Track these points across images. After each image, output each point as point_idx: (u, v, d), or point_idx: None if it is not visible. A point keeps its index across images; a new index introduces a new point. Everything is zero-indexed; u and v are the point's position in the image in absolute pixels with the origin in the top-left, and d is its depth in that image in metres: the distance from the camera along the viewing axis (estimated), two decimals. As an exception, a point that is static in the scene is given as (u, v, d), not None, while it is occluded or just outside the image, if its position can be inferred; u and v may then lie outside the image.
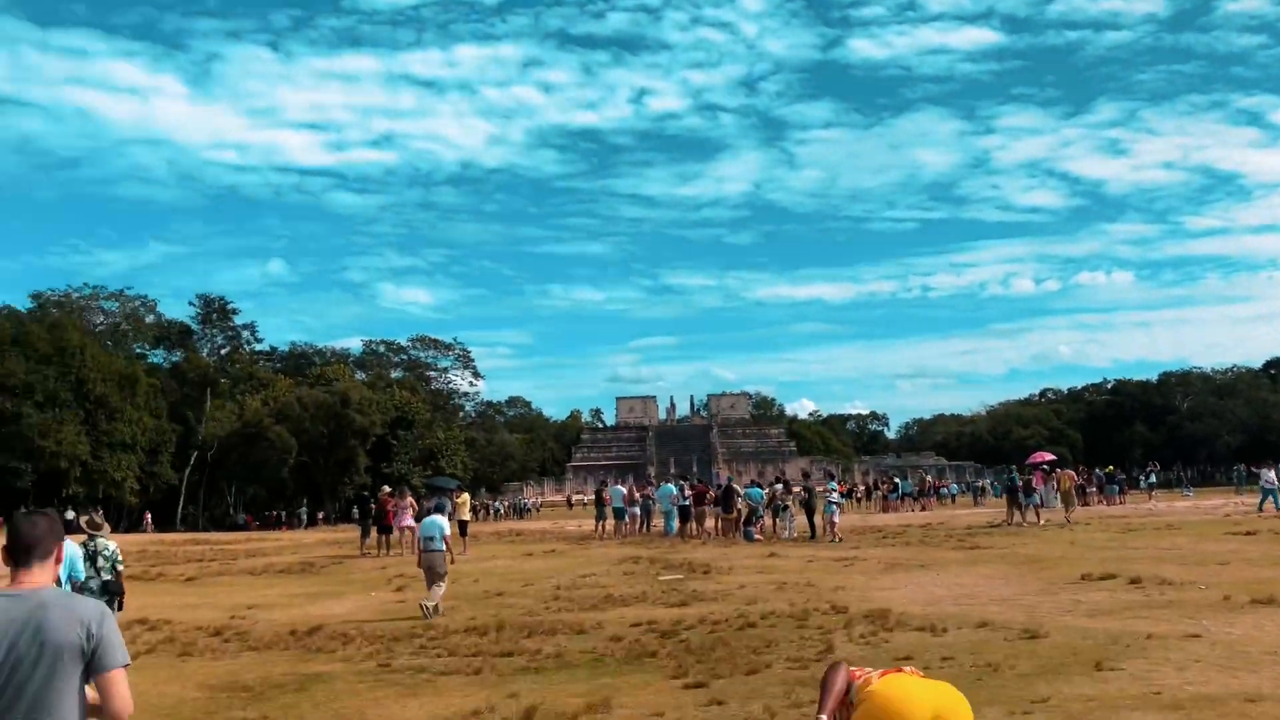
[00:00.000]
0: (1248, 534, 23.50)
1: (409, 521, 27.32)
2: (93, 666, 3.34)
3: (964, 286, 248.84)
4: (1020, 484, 29.50)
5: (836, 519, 25.83)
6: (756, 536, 26.89)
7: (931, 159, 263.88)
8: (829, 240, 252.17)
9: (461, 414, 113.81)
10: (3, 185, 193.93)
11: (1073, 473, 31.84)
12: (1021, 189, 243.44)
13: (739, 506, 28.18)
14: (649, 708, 8.55)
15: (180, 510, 71.19)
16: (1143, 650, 10.11)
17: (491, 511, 71.98)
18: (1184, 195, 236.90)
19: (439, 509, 28.50)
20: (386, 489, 29.13)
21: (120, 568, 11.60)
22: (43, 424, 61.94)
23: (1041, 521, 29.26)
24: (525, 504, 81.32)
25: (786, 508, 28.63)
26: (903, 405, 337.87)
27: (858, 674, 4.18)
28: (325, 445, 76.59)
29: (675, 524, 29.41)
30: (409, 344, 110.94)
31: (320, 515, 72.29)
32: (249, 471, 76.18)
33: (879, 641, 11.35)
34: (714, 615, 13.77)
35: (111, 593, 11.17)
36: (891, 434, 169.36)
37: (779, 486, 29.36)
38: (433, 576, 15.34)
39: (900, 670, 4.22)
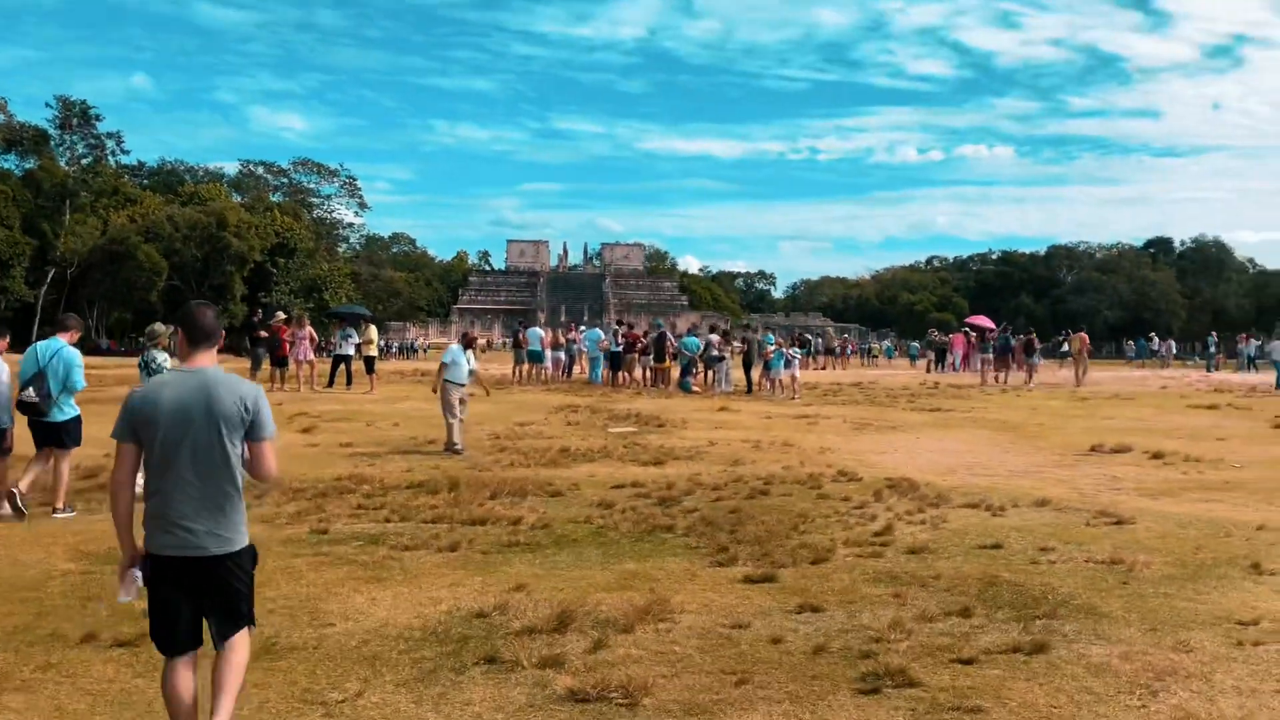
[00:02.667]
0: (1209, 408, 22.52)
1: (309, 354, 24.29)
2: (249, 435, 4.01)
3: (851, 151, 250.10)
4: (1017, 344, 27.84)
5: (797, 374, 23.86)
6: (694, 388, 24.81)
7: (830, 18, 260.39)
8: (721, 96, 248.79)
9: (344, 246, 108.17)
10: None
11: (1085, 335, 30.26)
12: (914, 56, 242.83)
13: (671, 355, 25.99)
14: (723, 613, 6.23)
15: (36, 331, 65.28)
16: (1275, 545, 8.30)
17: (380, 350, 68.65)
18: (1068, 74, 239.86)
19: (345, 338, 25.78)
20: (281, 316, 25.68)
21: None
22: None
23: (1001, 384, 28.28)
24: (413, 344, 78.13)
25: (723, 359, 26.58)
26: (785, 266, 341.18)
27: None
28: (198, 269, 71.19)
29: (601, 372, 27.11)
30: (290, 167, 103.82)
31: (192, 344, 67.60)
32: (114, 293, 70.46)
33: (937, 520, 9.32)
34: (704, 478, 11.63)
35: None
36: (778, 293, 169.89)
37: (715, 337, 27.21)
38: (447, 410, 13.98)
39: None
